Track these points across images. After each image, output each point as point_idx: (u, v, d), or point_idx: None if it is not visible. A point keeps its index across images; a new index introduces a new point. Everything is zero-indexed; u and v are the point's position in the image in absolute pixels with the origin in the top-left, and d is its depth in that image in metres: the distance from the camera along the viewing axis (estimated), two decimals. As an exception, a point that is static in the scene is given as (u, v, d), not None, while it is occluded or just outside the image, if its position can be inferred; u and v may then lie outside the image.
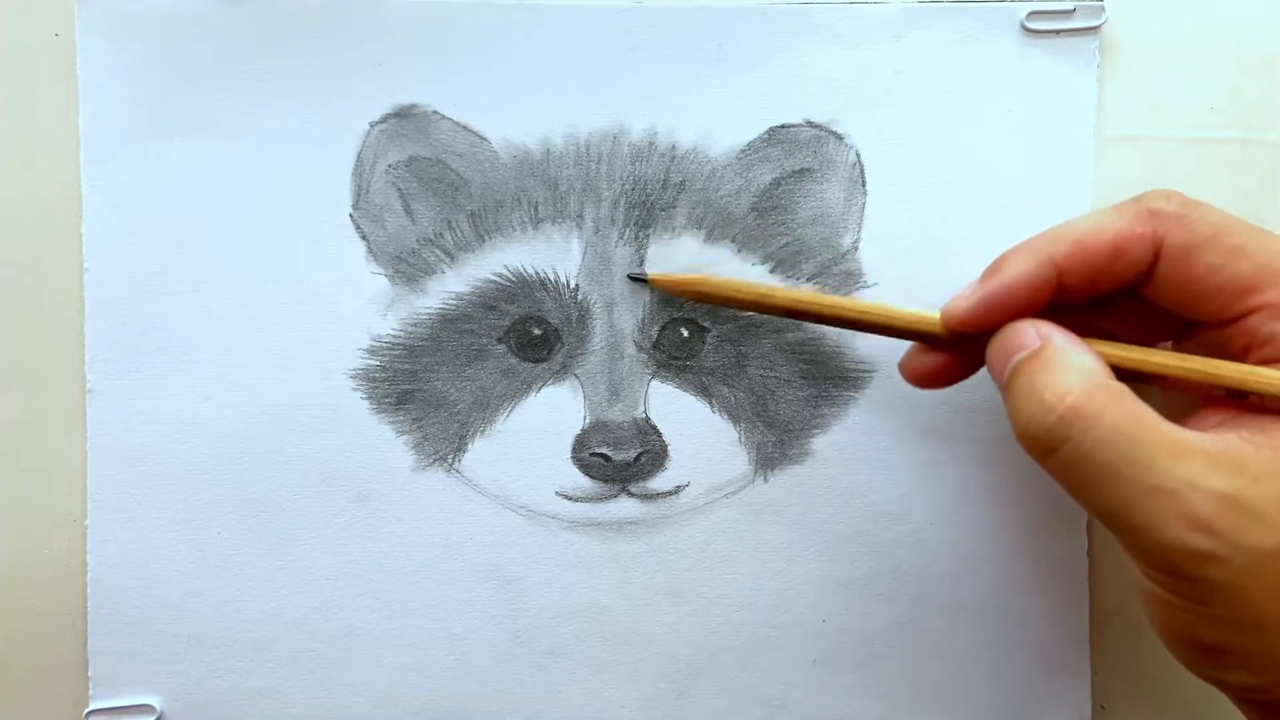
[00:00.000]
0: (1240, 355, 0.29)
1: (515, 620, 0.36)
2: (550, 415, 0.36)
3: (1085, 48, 0.36)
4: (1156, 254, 0.30)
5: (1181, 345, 0.32)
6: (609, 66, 0.36)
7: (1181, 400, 0.30)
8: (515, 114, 0.36)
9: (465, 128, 0.36)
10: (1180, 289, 0.30)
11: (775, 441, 0.36)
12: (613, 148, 0.36)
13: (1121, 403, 0.27)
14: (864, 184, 0.36)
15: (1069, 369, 0.28)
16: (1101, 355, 0.29)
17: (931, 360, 0.33)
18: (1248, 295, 0.29)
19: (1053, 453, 0.28)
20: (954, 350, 0.32)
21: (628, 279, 0.36)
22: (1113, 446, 0.27)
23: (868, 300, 0.34)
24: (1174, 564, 0.26)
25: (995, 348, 0.31)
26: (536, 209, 0.36)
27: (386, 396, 0.36)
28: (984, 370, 0.32)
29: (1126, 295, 0.31)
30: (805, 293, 0.34)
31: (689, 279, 0.35)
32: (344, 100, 0.35)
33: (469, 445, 0.36)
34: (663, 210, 0.36)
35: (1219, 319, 0.29)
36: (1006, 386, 0.30)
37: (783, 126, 0.36)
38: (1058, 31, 0.36)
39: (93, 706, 0.35)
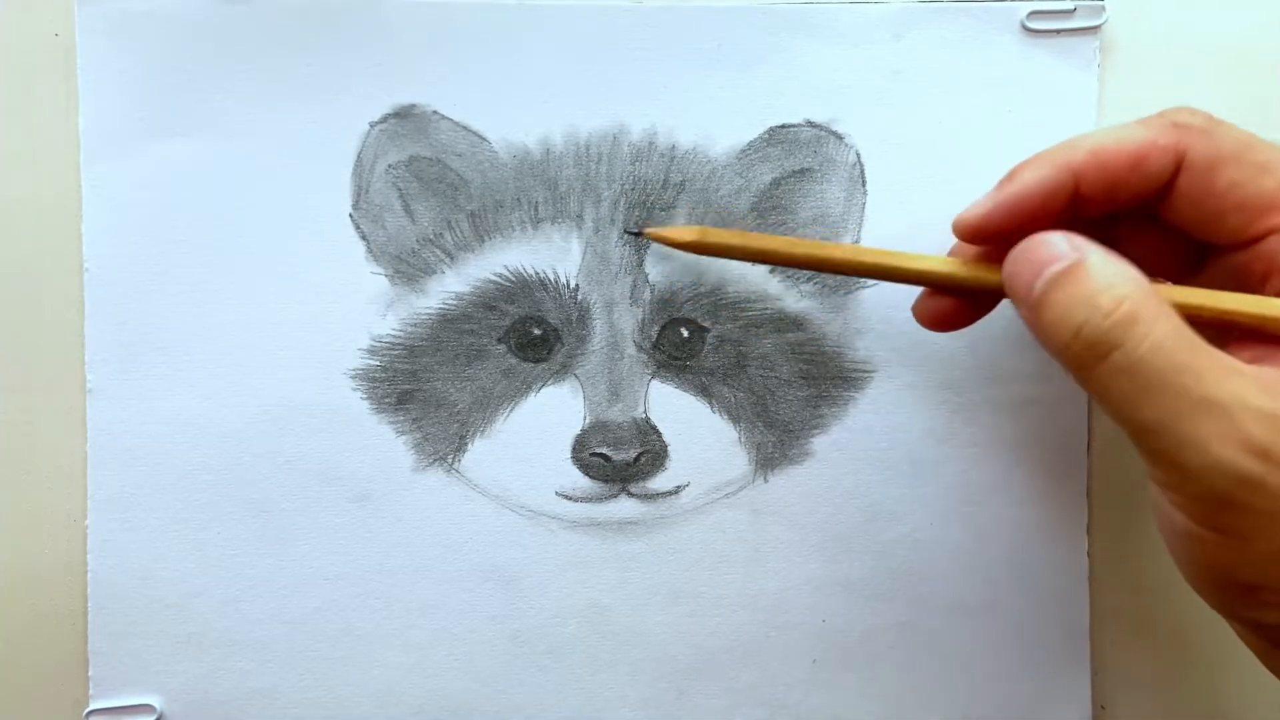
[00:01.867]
0: (1259, 282, 0.29)
1: (515, 620, 0.36)
2: (550, 415, 0.36)
3: (1085, 47, 0.36)
4: (1178, 167, 0.29)
5: (1196, 276, 0.31)
6: (609, 66, 0.36)
7: (1207, 335, 0.30)
8: (515, 114, 0.36)
9: (465, 128, 0.36)
10: (1200, 206, 0.29)
11: (775, 441, 0.36)
12: (613, 148, 0.36)
13: (1173, 316, 0.26)
14: (864, 184, 0.36)
15: (1121, 275, 0.27)
16: None
17: (945, 301, 0.32)
18: (1269, 214, 0.28)
19: (1102, 359, 0.26)
20: (966, 292, 0.32)
21: (625, 234, 0.35)
22: (1168, 355, 0.25)
23: (875, 248, 0.33)
24: (1221, 488, 0.25)
25: (1020, 260, 0.29)
26: (536, 209, 0.36)
27: (386, 396, 0.36)
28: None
29: (1140, 219, 0.30)
30: (806, 241, 0.34)
31: (686, 230, 0.34)
32: (344, 100, 0.35)
33: (469, 445, 0.36)
34: (663, 210, 0.36)
35: (1236, 240, 0.29)
36: (1042, 299, 0.27)
37: (783, 126, 0.36)
38: (1058, 31, 0.36)
39: (93, 706, 0.35)
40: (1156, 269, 0.30)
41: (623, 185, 0.36)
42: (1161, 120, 0.29)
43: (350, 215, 0.36)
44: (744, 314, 0.36)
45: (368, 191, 0.36)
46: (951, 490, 0.36)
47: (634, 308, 0.36)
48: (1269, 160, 0.28)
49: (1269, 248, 0.28)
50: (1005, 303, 0.31)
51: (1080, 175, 0.29)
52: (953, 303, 0.32)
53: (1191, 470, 0.25)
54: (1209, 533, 0.26)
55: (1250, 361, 0.27)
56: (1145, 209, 0.30)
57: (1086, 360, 0.27)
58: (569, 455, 0.36)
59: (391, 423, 0.36)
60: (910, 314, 0.35)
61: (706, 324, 0.36)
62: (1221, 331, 0.28)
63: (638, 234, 0.35)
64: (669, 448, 0.36)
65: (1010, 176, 0.30)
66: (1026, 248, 0.29)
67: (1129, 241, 0.31)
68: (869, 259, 0.32)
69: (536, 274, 0.36)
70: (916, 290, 0.34)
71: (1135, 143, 0.29)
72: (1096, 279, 0.27)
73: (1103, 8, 0.36)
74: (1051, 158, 0.30)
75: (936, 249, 0.36)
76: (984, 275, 0.31)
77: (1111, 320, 0.26)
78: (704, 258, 0.35)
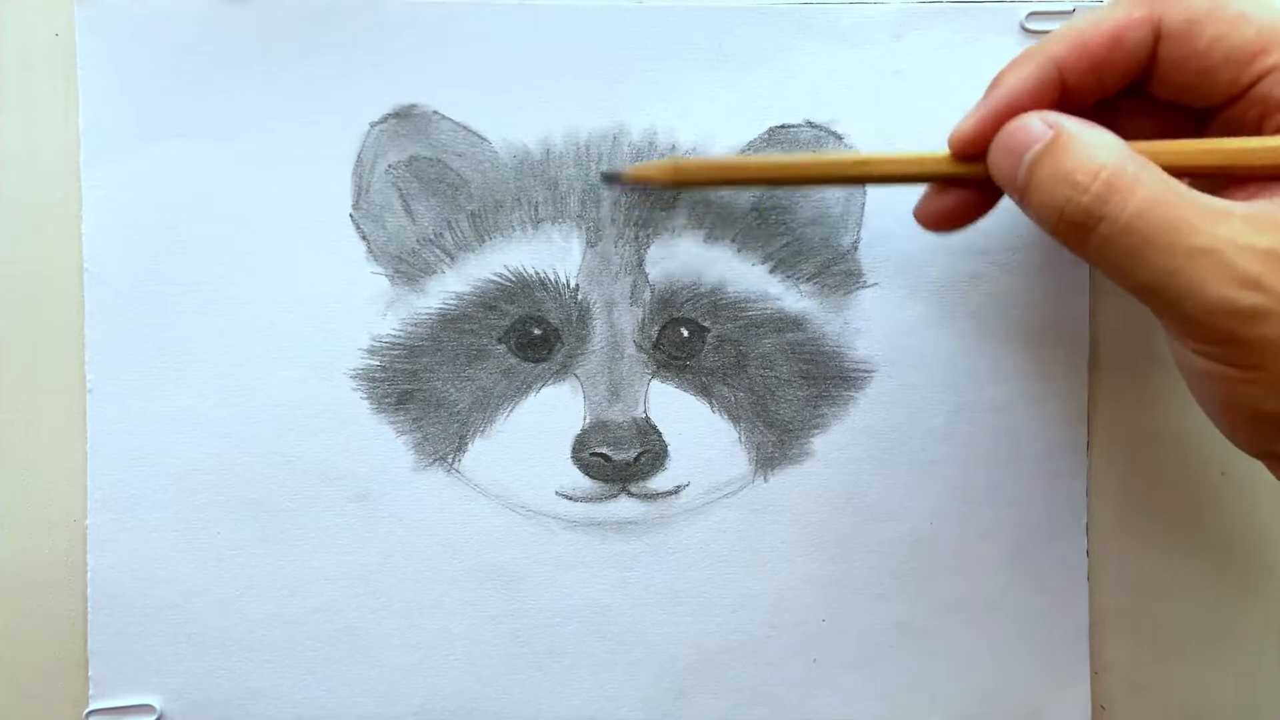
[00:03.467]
0: (1255, 128, 0.29)
1: (515, 620, 0.36)
2: (550, 415, 0.36)
3: (1085, 48, 0.36)
4: (1157, 37, 0.29)
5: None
6: (609, 66, 0.36)
7: (1206, 186, 0.30)
8: (515, 114, 0.36)
9: (465, 128, 0.36)
10: (1185, 70, 0.29)
11: (775, 441, 0.36)
12: (613, 148, 0.36)
13: (1153, 173, 0.27)
14: (863, 184, 0.36)
15: (1094, 146, 0.27)
16: None
17: (947, 200, 0.32)
18: (1255, 59, 0.28)
19: (1091, 232, 0.27)
20: (968, 185, 0.32)
21: (601, 179, 0.35)
22: (1152, 215, 0.26)
23: (890, 154, 0.33)
24: (1225, 327, 0.26)
25: (1000, 149, 0.30)
26: (536, 209, 0.36)
27: (387, 396, 0.36)
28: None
29: (1132, 96, 0.31)
30: (789, 156, 0.34)
31: (662, 163, 0.34)
32: (344, 100, 0.35)
33: (469, 445, 0.36)
34: (663, 210, 0.36)
35: (1229, 94, 0.29)
36: (1027, 183, 0.28)
37: (783, 126, 0.36)
38: (1058, 31, 0.36)
39: (93, 706, 0.35)
40: None
41: (623, 185, 0.36)
42: None
43: (350, 215, 0.36)
44: (744, 314, 0.36)
45: (368, 191, 0.36)
46: (951, 490, 0.36)
47: (634, 307, 0.36)
48: (1242, 9, 0.28)
49: (1261, 92, 0.28)
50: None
51: (1063, 65, 0.30)
52: (952, 201, 0.32)
53: (1195, 316, 0.26)
54: (1226, 368, 0.27)
55: (1247, 199, 0.28)
56: (1135, 88, 0.31)
57: (1076, 238, 0.28)
58: (569, 455, 0.36)
59: (391, 423, 0.36)
60: (911, 314, 0.35)
61: (706, 324, 0.36)
62: (1218, 178, 0.29)
63: (614, 179, 0.35)
64: (669, 448, 0.36)
65: (995, 82, 0.31)
66: (1004, 135, 0.29)
67: (1125, 120, 0.31)
68: (860, 162, 0.33)
69: (537, 274, 0.36)
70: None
71: (1111, 22, 0.29)
72: (1073, 155, 0.27)
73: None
74: (1032, 54, 0.30)
75: (935, 248, 0.36)
76: (977, 168, 0.31)
77: (1091, 194, 0.27)
78: (705, 256, 0.36)
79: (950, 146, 0.31)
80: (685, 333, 0.36)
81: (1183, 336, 0.28)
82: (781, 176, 0.33)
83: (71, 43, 0.35)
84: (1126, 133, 0.30)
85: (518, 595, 0.36)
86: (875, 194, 0.36)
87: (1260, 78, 0.28)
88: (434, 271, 0.36)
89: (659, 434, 0.36)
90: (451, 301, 0.36)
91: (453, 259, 0.36)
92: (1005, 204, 0.31)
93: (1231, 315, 0.26)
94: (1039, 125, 0.29)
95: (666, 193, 0.36)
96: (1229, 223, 0.26)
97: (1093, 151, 0.27)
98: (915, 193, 0.33)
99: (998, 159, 0.30)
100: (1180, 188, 0.27)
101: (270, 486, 0.36)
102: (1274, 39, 0.28)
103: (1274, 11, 0.28)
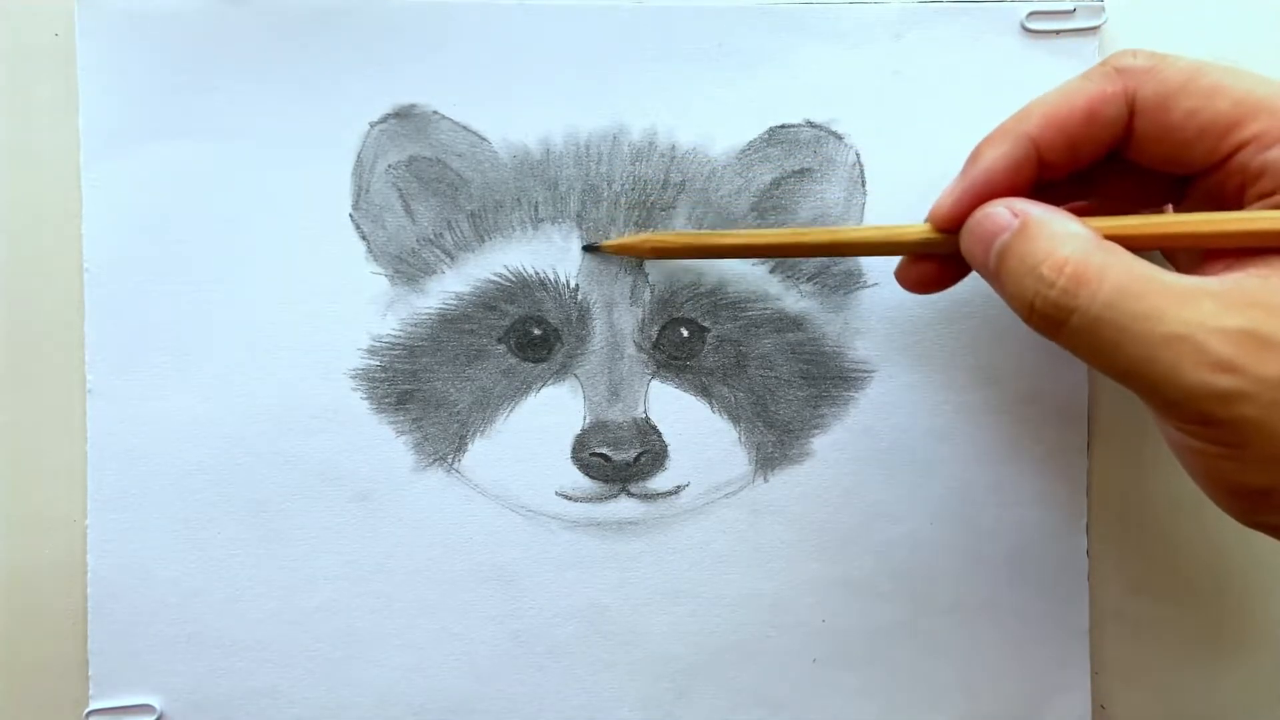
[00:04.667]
0: (1236, 196, 0.29)
1: (515, 620, 0.36)
2: (550, 415, 0.36)
3: (1085, 48, 0.36)
4: (1131, 110, 0.29)
5: (1179, 206, 0.31)
6: (609, 66, 0.36)
7: (1184, 256, 0.30)
8: (515, 114, 0.36)
9: (465, 128, 0.36)
10: (1162, 142, 0.29)
11: (775, 441, 0.36)
12: (613, 148, 0.36)
13: (1120, 260, 0.27)
14: (864, 184, 0.36)
15: (1059, 238, 0.28)
16: (1097, 230, 0.28)
17: (928, 266, 0.33)
18: (1231, 132, 0.28)
19: (1063, 324, 0.27)
20: (947, 255, 0.32)
21: (583, 251, 0.36)
22: (1121, 305, 0.26)
23: (864, 227, 0.34)
24: (1203, 410, 0.26)
25: (970, 237, 0.30)
26: (536, 209, 0.36)
27: (386, 396, 0.36)
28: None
29: (1110, 163, 0.31)
30: (778, 231, 0.35)
31: (641, 238, 0.34)
32: (344, 100, 0.35)
33: (469, 445, 0.36)
34: (663, 210, 0.36)
35: (1207, 164, 0.29)
36: (996, 272, 0.29)
37: (783, 126, 0.36)
38: (1058, 32, 0.36)
39: (93, 706, 0.35)
40: (1138, 208, 0.31)
41: (623, 185, 0.36)
42: (1104, 69, 0.30)
43: (350, 215, 0.36)
44: (744, 314, 0.36)
45: (368, 191, 0.36)
46: (951, 490, 0.36)
47: (634, 308, 0.36)
48: (1218, 82, 0.28)
49: (1240, 162, 0.28)
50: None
51: (1039, 142, 0.30)
52: (933, 268, 0.33)
53: (1173, 400, 0.26)
54: (1209, 445, 0.27)
55: (1223, 270, 0.28)
56: (1112, 156, 0.31)
57: (1049, 329, 0.28)
58: (569, 455, 0.36)
59: (391, 423, 0.36)
60: (911, 314, 0.35)
61: (706, 324, 0.36)
62: (1194, 250, 0.29)
63: (595, 249, 0.35)
64: (669, 448, 0.36)
65: (973, 158, 0.31)
66: (973, 222, 0.30)
67: (1105, 185, 0.32)
68: (838, 236, 0.33)
69: (537, 274, 0.36)
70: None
71: (1084, 97, 0.30)
72: (1040, 245, 0.28)
73: (1102, 8, 0.36)
74: (1007, 132, 0.30)
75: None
76: (953, 241, 0.31)
77: (1059, 289, 0.27)
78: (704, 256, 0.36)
79: (930, 221, 0.32)
80: (685, 333, 0.36)
81: (1164, 417, 0.28)
82: (758, 250, 0.34)
83: (71, 43, 0.35)
84: (1104, 197, 0.30)
85: (518, 595, 0.36)
86: (876, 195, 0.36)
87: (1238, 149, 0.28)
88: (434, 271, 0.36)
89: (659, 434, 0.36)
90: (451, 301, 0.36)
91: (453, 259, 0.36)
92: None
93: (1209, 399, 0.26)
94: (1005, 214, 0.29)
95: (666, 193, 0.36)
96: (1199, 305, 0.26)
97: (1057, 243, 0.27)
98: (916, 193, 0.33)
99: (969, 245, 0.30)
100: (1149, 271, 0.27)
101: (270, 486, 0.36)
102: (1251, 110, 0.28)
103: (1250, 81, 0.28)
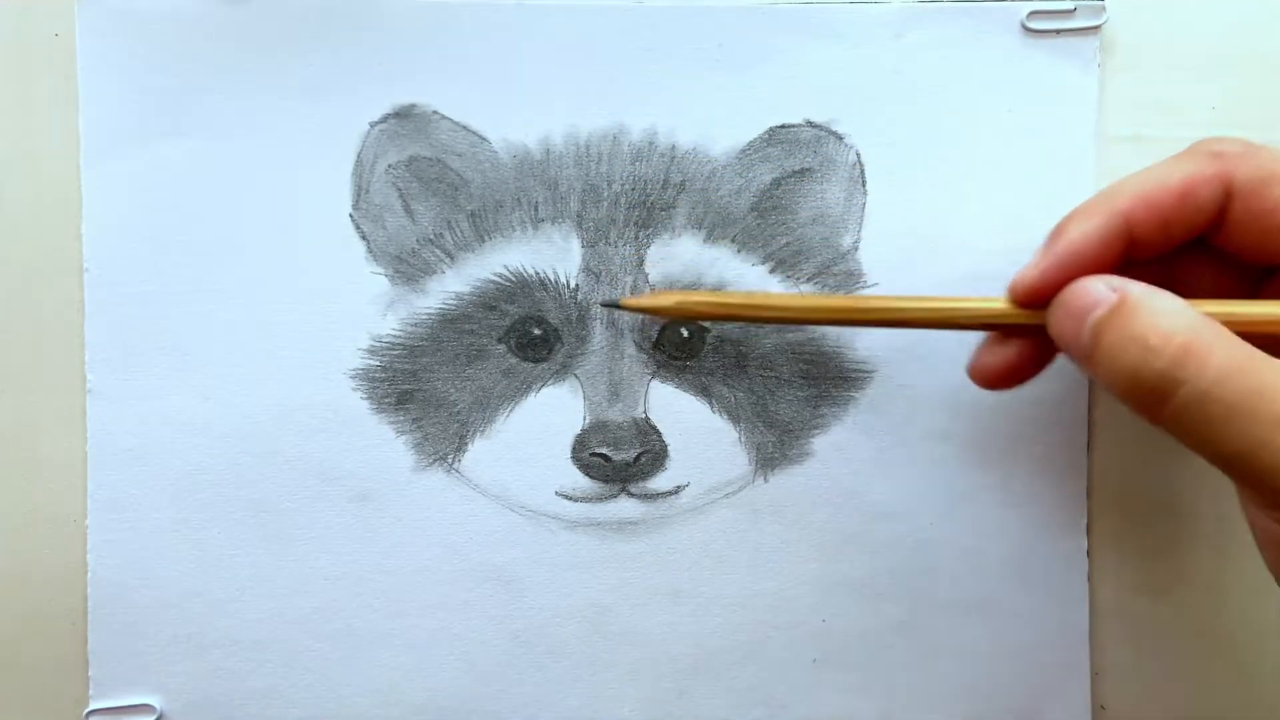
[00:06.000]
0: None
1: (515, 620, 0.36)
2: (550, 415, 0.36)
3: (1086, 48, 0.36)
4: (1227, 194, 0.29)
5: (1259, 298, 0.31)
6: (609, 66, 0.36)
7: (1267, 349, 0.30)
8: (515, 114, 0.36)
9: (465, 128, 0.36)
10: (1253, 228, 0.29)
11: (775, 441, 0.36)
12: (613, 148, 0.36)
13: (1228, 338, 0.25)
14: (864, 184, 0.36)
15: (1162, 314, 0.26)
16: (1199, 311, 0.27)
17: (1002, 355, 0.31)
18: None
19: (1167, 400, 0.25)
20: (1024, 336, 0.31)
21: (601, 306, 0.35)
22: (1234, 382, 0.24)
23: (932, 298, 0.32)
24: None
25: (1060, 313, 0.28)
26: (536, 209, 0.36)
27: (386, 396, 0.36)
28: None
29: (1195, 249, 0.30)
30: (832, 297, 0.34)
31: (663, 296, 0.33)
32: (344, 100, 0.35)
33: (469, 445, 0.36)
34: (663, 210, 0.36)
35: None
36: (1092, 348, 0.27)
37: (783, 126, 0.36)
38: (1058, 31, 0.36)
39: (93, 706, 0.35)
40: (1215, 297, 0.30)
41: (623, 185, 0.36)
42: (1198, 151, 0.29)
43: (350, 215, 0.36)
44: (744, 314, 0.36)
45: (368, 191, 0.36)
46: (951, 490, 0.36)
47: (634, 308, 0.36)
48: None
49: None
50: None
51: (1130, 219, 0.29)
52: (1013, 355, 0.31)
53: None
54: None
55: None
56: (1197, 242, 0.30)
57: (1152, 404, 0.26)
58: (569, 455, 0.36)
59: (391, 423, 0.36)
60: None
61: (706, 324, 0.36)
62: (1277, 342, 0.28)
63: (615, 306, 0.34)
64: (669, 448, 0.36)
65: (1057, 233, 0.30)
66: (1065, 298, 0.28)
67: (1185, 276, 0.31)
68: (903, 307, 0.31)
69: (537, 274, 0.36)
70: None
71: (1180, 177, 0.29)
72: (1142, 318, 0.26)
73: (1103, 8, 0.36)
74: (1097, 207, 0.29)
75: (935, 249, 0.36)
76: (1037, 317, 0.30)
77: (1166, 358, 0.25)
78: (703, 257, 0.36)
79: (1011, 294, 0.30)
80: (685, 333, 0.36)
81: (1268, 507, 0.26)
82: (807, 318, 0.33)
83: (71, 43, 0.35)
84: (1183, 284, 0.29)
85: (518, 595, 0.36)
86: (876, 195, 0.36)
87: None
88: (434, 271, 0.36)
89: (659, 434, 0.36)
90: (451, 301, 0.36)
91: (453, 259, 0.36)
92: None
93: None
94: (1102, 288, 0.27)
95: (666, 193, 0.36)
96: None
97: (1163, 318, 0.26)
98: (916, 192, 0.33)
99: (1059, 320, 0.28)
100: (1256, 353, 0.25)
101: (270, 486, 0.36)
102: None
103: None
